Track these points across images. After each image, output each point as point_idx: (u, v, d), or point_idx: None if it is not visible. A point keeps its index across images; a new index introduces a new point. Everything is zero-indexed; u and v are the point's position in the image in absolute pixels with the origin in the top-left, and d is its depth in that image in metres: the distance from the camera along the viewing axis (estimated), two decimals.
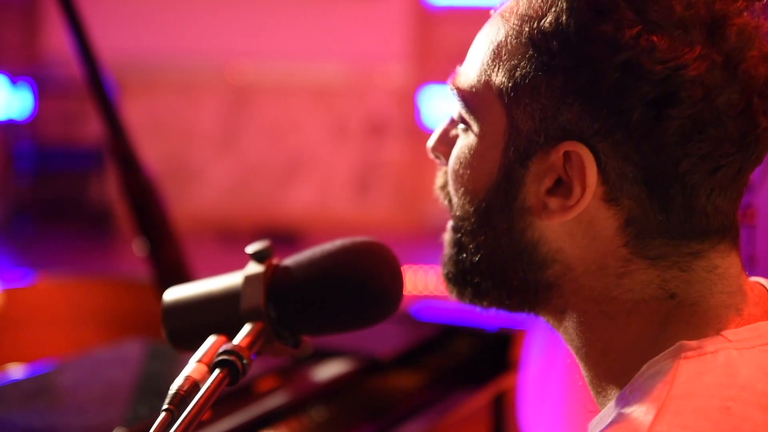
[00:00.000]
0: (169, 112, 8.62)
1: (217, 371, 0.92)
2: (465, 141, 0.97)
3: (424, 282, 6.09)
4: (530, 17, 0.91)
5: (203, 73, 8.58)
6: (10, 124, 8.33)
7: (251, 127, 8.69)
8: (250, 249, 1.02)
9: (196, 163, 8.67)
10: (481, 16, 1.00)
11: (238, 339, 0.96)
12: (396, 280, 1.01)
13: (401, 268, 1.02)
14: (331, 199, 8.71)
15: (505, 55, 0.92)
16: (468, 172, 0.95)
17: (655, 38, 0.85)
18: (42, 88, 8.29)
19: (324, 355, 1.86)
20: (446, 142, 1.02)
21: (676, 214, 0.89)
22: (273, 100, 8.65)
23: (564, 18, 0.88)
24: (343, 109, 8.65)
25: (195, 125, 8.67)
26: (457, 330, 2.08)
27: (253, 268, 1.01)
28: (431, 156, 1.04)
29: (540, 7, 0.90)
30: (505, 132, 0.93)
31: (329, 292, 1.00)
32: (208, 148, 8.69)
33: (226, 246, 7.67)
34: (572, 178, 0.90)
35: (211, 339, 0.96)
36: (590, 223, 0.91)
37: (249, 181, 8.70)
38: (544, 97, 0.89)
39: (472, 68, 0.96)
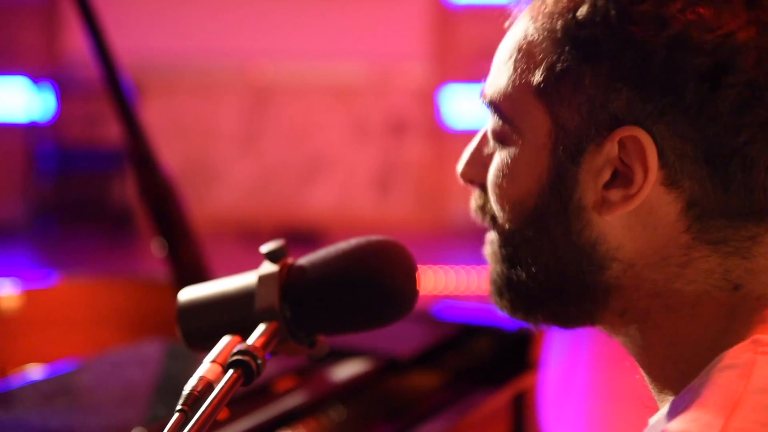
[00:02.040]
0: (189, 113, 8.65)
1: (231, 371, 0.92)
2: (505, 153, 0.95)
3: (444, 282, 6.07)
4: (561, 12, 0.90)
5: (223, 73, 8.61)
6: (32, 126, 8.38)
7: (271, 128, 8.71)
8: (265, 248, 1.02)
9: (216, 164, 8.69)
10: (501, 14, 0.99)
11: (253, 339, 0.96)
12: (410, 280, 1.00)
13: (416, 267, 1.01)
14: (351, 199, 8.71)
15: (539, 54, 0.91)
16: (514, 183, 0.94)
17: (700, 9, 0.85)
18: (64, 90, 8.33)
19: (342, 354, 1.85)
20: (479, 162, 0.99)
21: (736, 191, 0.88)
22: (293, 100, 8.67)
23: (601, 3, 0.88)
24: (363, 108, 8.66)
25: (215, 126, 8.69)
26: (477, 329, 2.07)
27: (268, 267, 1.01)
28: (461, 182, 1.02)
29: (570, 0, 0.90)
30: (549, 133, 0.91)
31: (343, 291, 0.99)
32: (229, 148, 8.71)
33: (248, 246, 7.68)
34: (631, 165, 0.88)
35: (226, 339, 0.96)
36: (650, 212, 0.89)
37: (270, 181, 8.72)
38: (589, 88, 0.89)
39: (502, 76, 0.95)
